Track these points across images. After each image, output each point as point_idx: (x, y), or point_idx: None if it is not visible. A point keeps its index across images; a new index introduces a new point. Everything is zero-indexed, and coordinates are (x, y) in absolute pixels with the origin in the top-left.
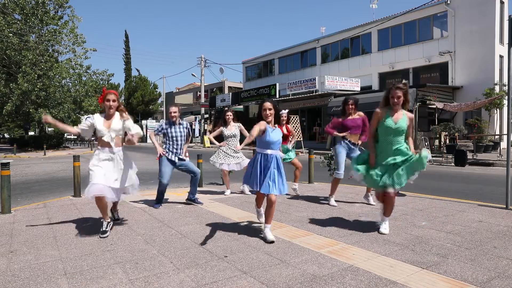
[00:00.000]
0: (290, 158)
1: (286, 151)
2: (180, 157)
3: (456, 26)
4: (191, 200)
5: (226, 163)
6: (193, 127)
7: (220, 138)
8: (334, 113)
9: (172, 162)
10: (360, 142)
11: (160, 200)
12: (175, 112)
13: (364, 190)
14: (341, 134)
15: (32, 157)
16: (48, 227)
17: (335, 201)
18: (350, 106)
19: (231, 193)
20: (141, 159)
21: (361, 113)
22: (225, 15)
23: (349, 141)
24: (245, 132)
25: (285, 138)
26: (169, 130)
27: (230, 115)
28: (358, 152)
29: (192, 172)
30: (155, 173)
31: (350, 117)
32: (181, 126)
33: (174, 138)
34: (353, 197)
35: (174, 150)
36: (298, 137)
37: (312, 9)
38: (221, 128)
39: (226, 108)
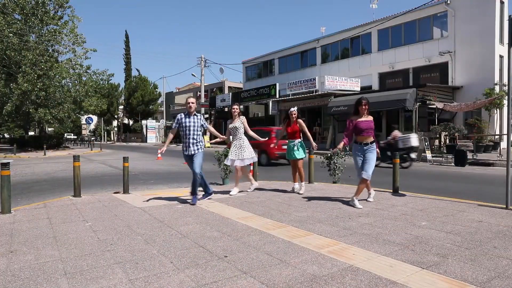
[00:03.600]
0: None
1: (292, 148)
2: (192, 153)
3: (456, 26)
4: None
5: (239, 158)
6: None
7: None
8: (334, 113)
9: (187, 156)
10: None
11: (193, 191)
12: (193, 103)
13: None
14: (338, 148)
15: (32, 157)
16: (48, 227)
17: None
18: (364, 107)
19: (239, 192)
20: (141, 159)
21: (371, 118)
22: (225, 15)
23: (361, 143)
24: (246, 126)
25: (294, 134)
26: (183, 120)
27: (236, 109)
28: (374, 151)
29: (192, 170)
30: (155, 173)
31: (363, 119)
32: (195, 117)
33: (187, 128)
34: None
35: (187, 141)
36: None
37: (312, 9)
38: (229, 121)
39: (233, 103)
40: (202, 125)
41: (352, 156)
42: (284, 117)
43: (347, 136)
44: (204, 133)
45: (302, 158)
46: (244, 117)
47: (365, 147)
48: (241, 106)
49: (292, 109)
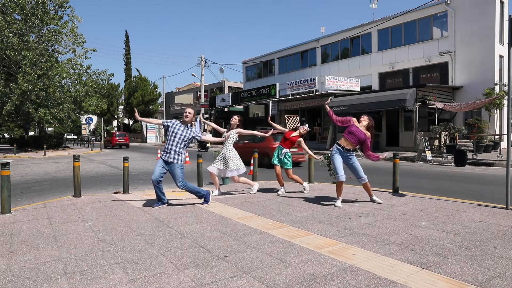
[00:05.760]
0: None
1: (284, 156)
2: (169, 160)
3: (456, 26)
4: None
5: (213, 165)
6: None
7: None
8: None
9: (162, 161)
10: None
11: (158, 198)
12: (190, 113)
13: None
14: (328, 109)
15: (32, 157)
16: (48, 227)
17: (342, 201)
18: (361, 118)
19: (220, 194)
20: (141, 159)
21: (368, 133)
22: (225, 15)
23: (343, 147)
24: (243, 131)
25: (288, 143)
26: (175, 125)
27: (234, 119)
28: (354, 157)
29: (175, 182)
30: None
31: (359, 126)
32: (187, 129)
33: (174, 134)
34: (353, 197)
35: (169, 147)
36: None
37: (312, 9)
38: (225, 130)
39: (235, 114)
40: (193, 137)
41: (331, 157)
42: (294, 126)
43: (337, 118)
44: (204, 130)
45: (291, 168)
46: (239, 129)
47: (345, 153)
48: (241, 106)
49: (305, 126)
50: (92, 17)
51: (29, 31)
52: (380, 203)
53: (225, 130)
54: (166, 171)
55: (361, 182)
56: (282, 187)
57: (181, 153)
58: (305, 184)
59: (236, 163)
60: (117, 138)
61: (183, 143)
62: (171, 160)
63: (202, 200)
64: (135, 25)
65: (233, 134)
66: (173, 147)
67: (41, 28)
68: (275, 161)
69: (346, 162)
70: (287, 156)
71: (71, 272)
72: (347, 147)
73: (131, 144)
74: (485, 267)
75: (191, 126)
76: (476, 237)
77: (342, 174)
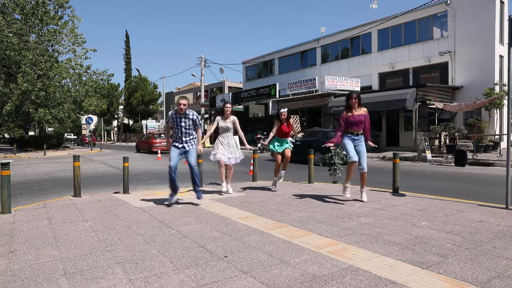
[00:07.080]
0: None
1: (286, 142)
2: (186, 149)
3: (456, 26)
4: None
5: (221, 153)
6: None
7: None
8: (334, 113)
9: (178, 148)
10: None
11: (172, 188)
12: (184, 105)
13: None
14: (331, 143)
15: (32, 157)
16: (48, 227)
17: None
18: (354, 100)
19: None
20: (141, 159)
21: (365, 109)
22: (225, 15)
23: (352, 133)
24: (238, 127)
25: (287, 134)
26: (175, 118)
27: (229, 107)
28: (363, 143)
29: (189, 164)
30: (155, 173)
31: (354, 113)
32: (187, 116)
33: (179, 127)
34: (353, 197)
35: (181, 139)
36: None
37: (312, 9)
38: (218, 118)
39: (226, 101)
40: (194, 120)
41: (342, 143)
42: (276, 118)
43: (339, 135)
44: (204, 133)
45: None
46: (236, 117)
47: (355, 138)
48: (241, 106)
49: (282, 110)
50: (92, 17)
51: (29, 31)
52: (364, 201)
53: (219, 119)
54: (181, 156)
55: (360, 170)
56: (281, 176)
57: (193, 137)
58: (283, 172)
59: (239, 151)
60: (86, 138)
61: (188, 131)
62: (187, 148)
63: (196, 194)
64: (135, 25)
65: (231, 124)
66: (183, 137)
67: (41, 28)
68: (278, 149)
69: (355, 146)
70: (290, 143)
71: (71, 272)
72: (356, 132)
73: (130, 144)
74: (485, 267)
75: (187, 113)
76: (476, 237)
77: (353, 155)
